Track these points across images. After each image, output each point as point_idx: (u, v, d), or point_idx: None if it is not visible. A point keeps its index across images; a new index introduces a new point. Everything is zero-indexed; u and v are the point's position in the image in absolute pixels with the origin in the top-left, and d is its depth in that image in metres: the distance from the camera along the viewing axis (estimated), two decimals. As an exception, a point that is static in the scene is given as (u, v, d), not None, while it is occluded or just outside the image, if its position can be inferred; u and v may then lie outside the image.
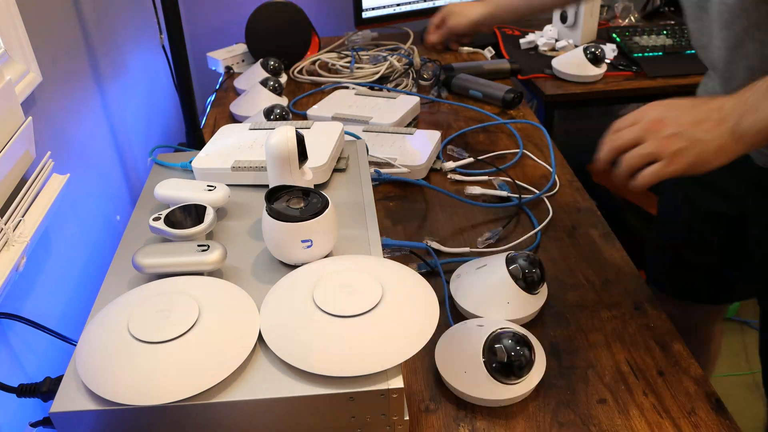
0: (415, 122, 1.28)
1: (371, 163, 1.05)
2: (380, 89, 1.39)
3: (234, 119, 1.34)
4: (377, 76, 1.45)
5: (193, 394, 0.55)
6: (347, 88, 1.41)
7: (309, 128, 0.89)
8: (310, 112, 1.28)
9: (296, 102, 1.40)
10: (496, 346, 0.67)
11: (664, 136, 0.68)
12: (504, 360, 0.66)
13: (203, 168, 0.83)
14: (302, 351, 0.57)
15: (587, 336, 0.76)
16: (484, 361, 0.68)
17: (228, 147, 0.87)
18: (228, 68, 1.57)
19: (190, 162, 0.85)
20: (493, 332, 0.69)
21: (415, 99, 1.29)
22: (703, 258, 1.07)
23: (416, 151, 1.07)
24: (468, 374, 0.69)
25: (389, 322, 0.59)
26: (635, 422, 0.65)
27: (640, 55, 1.51)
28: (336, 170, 0.85)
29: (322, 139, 0.86)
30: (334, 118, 1.23)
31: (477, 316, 0.77)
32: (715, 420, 0.65)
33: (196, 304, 0.61)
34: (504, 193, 1.00)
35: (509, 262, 0.77)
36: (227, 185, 0.79)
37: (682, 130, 0.67)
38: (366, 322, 0.58)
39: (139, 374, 0.56)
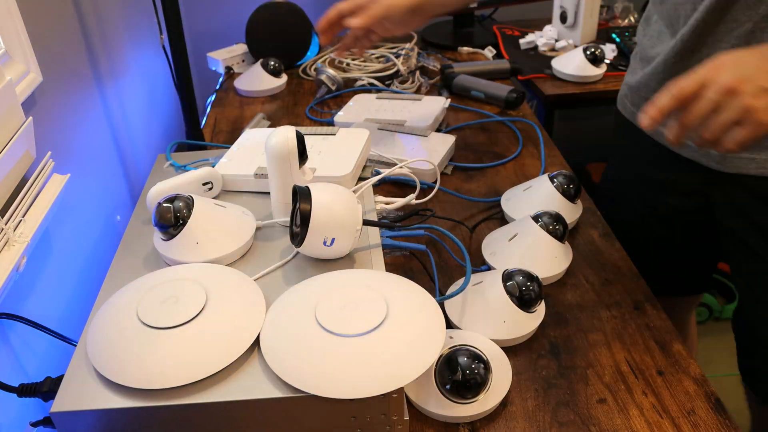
0: (446, 124, 1.26)
1: (379, 162, 1.05)
2: (391, 91, 1.39)
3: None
4: (389, 72, 1.44)
5: (198, 379, 0.56)
6: (369, 91, 1.39)
7: (334, 135, 0.88)
8: (336, 118, 1.23)
9: (312, 108, 1.37)
10: (449, 362, 0.66)
11: (748, 98, 0.63)
12: (457, 378, 0.65)
13: (227, 174, 0.83)
14: (303, 371, 0.56)
15: (587, 336, 0.76)
16: (435, 374, 0.66)
17: (251, 153, 0.86)
18: (228, 68, 1.57)
19: (214, 165, 0.85)
20: (451, 348, 0.67)
21: (443, 100, 1.25)
22: (666, 253, 1.07)
23: (427, 154, 1.07)
24: (421, 385, 0.67)
25: (393, 342, 0.57)
26: (635, 422, 0.66)
27: (639, 55, 1.51)
28: (361, 179, 0.84)
29: (348, 146, 0.84)
30: (366, 122, 1.19)
31: None
32: (715, 420, 0.66)
33: (204, 292, 0.61)
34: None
35: (506, 278, 0.75)
36: (248, 192, 0.78)
37: (765, 86, 0.63)
38: (369, 342, 0.57)
39: (146, 358, 0.56)
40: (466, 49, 1.63)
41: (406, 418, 0.58)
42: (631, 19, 1.78)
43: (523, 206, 0.93)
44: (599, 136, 2.18)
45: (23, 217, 0.69)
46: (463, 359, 0.65)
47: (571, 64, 1.47)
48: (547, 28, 1.67)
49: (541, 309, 0.77)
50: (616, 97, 1.07)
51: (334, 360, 0.56)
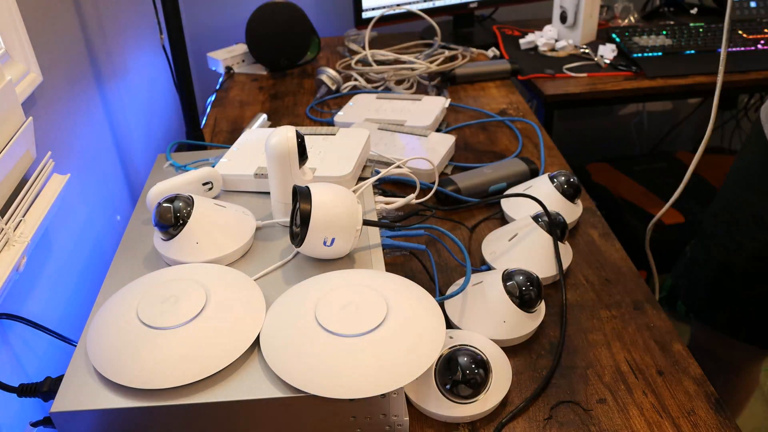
0: (446, 124, 1.26)
1: (379, 162, 1.05)
2: (387, 92, 1.39)
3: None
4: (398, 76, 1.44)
5: (198, 379, 0.56)
6: (367, 90, 1.39)
7: (334, 135, 0.88)
8: (336, 118, 1.23)
9: (312, 108, 1.37)
10: (449, 362, 0.65)
11: None
12: (457, 378, 0.64)
13: (227, 174, 0.83)
14: (303, 371, 0.56)
15: (587, 336, 0.76)
16: (435, 374, 0.66)
17: (251, 153, 0.86)
18: (228, 68, 1.57)
19: (214, 165, 0.85)
20: (451, 348, 0.67)
21: (443, 100, 1.25)
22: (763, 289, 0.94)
23: (427, 154, 1.07)
24: (421, 385, 0.67)
25: (393, 342, 0.57)
26: (635, 422, 0.66)
27: (639, 55, 1.51)
28: (361, 179, 0.84)
29: (348, 146, 0.84)
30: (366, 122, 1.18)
31: None
32: (715, 420, 0.66)
33: (204, 292, 0.61)
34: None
35: (506, 278, 0.75)
36: (248, 192, 0.78)
37: None
38: (369, 342, 0.57)
39: (146, 358, 0.56)
40: (471, 49, 1.63)
41: (406, 418, 0.58)
42: (631, 19, 1.78)
43: (523, 206, 0.93)
44: (599, 136, 2.19)
45: (23, 217, 0.69)
46: (463, 359, 0.65)
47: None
48: (547, 28, 1.67)
49: (541, 309, 0.77)
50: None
51: (334, 360, 0.56)
